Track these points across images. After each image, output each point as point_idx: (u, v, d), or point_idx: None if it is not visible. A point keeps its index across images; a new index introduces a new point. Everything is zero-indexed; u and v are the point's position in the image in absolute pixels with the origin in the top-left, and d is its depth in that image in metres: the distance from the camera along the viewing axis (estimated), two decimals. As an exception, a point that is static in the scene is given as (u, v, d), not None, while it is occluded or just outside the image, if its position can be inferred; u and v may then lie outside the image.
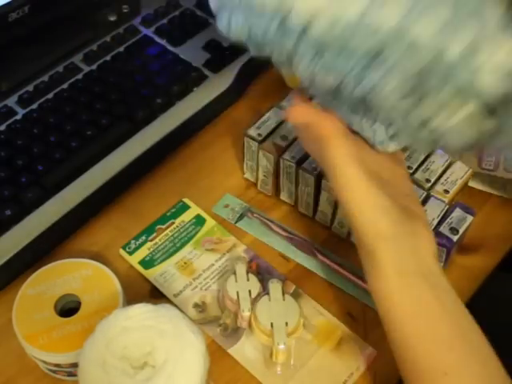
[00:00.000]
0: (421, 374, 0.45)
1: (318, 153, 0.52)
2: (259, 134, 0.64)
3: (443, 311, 0.46)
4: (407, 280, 0.46)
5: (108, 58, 0.75)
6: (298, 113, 0.52)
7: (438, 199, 0.60)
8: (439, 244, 0.57)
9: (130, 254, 0.62)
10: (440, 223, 0.58)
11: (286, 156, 0.62)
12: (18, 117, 0.69)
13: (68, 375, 0.54)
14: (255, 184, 0.68)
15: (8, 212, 0.60)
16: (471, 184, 0.65)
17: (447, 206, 0.60)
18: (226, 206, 0.67)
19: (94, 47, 0.76)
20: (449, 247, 0.57)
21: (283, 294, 0.56)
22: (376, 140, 0.50)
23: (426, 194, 0.60)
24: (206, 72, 0.74)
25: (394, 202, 0.48)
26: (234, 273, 0.57)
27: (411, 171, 0.62)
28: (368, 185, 0.48)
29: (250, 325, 0.56)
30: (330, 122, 0.50)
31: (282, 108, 0.66)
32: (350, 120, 0.51)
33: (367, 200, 0.48)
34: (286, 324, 0.54)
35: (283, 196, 0.67)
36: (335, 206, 0.61)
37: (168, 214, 0.66)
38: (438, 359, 0.45)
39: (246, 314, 0.55)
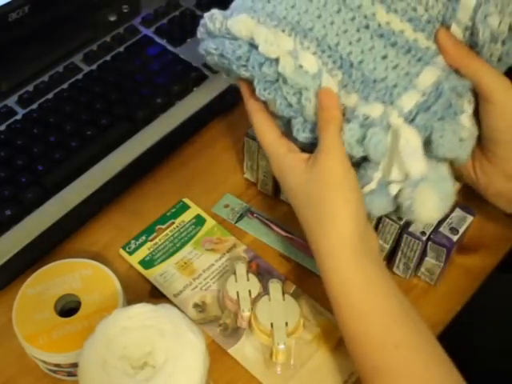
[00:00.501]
0: (372, 348, 0.48)
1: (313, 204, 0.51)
2: (259, 134, 0.64)
3: (392, 290, 0.49)
4: (361, 261, 0.49)
5: (108, 58, 0.75)
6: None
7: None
8: (439, 244, 0.57)
9: (130, 254, 0.62)
10: (440, 223, 0.58)
11: (286, 156, 0.62)
12: (18, 117, 0.69)
13: (68, 375, 0.54)
14: (255, 184, 0.68)
15: (8, 212, 0.60)
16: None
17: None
18: (226, 206, 0.67)
19: (94, 47, 0.76)
20: (449, 247, 0.57)
21: (283, 294, 0.56)
22: None
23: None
24: (206, 72, 0.74)
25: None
26: (234, 273, 0.57)
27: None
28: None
29: (250, 325, 0.56)
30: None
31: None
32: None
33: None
34: (286, 324, 0.54)
35: (283, 196, 0.67)
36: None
37: (168, 214, 0.66)
38: (390, 333, 0.47)
39: (246, 314, 0.55)
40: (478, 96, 0.52)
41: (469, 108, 0.52)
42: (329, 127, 0.49)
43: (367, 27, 0.51)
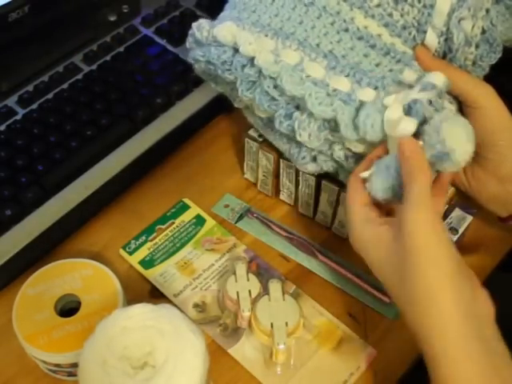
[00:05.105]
0: None
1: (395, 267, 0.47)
2: (260, 135, 0.64)
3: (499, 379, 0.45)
4: (471, 346, 0.44)
5: (108, 58, 0.75)
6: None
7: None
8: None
9: (130, 254, 0.62)
10: (440, 223, 0.58)
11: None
12: (18, 117, 0.69)
13: (68, 375, 0.54)
14: (255, 184, 0.68)
15: (8, 212, 0.60)
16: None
17: (447, 206, 0.60)
18: (226, 205, 0.67)
19: (94, 47, 0.76)
20: (449, 247, 0.57)
21: (283, 293, 0.56)
22: (299, 162, 0.59)
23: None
24: (206, 72, 0.74)
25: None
26: (234, 273, 0.57)
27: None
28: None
29: (250, 325, 0.56)
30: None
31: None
32: (281, 146, 0.60)
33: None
34: (286, 324, 0.54)
35: (283, 196, 0.67)
36: (335, 206, 0.61)
37: (168, 214, 0.66)
38: None
39: (246, 314, 0.55)
40: (461, 104, 0.53)
41: (451, 107, 0.52)
42: (418, 178, 0.46)
43: (347, 30, 0.53)
